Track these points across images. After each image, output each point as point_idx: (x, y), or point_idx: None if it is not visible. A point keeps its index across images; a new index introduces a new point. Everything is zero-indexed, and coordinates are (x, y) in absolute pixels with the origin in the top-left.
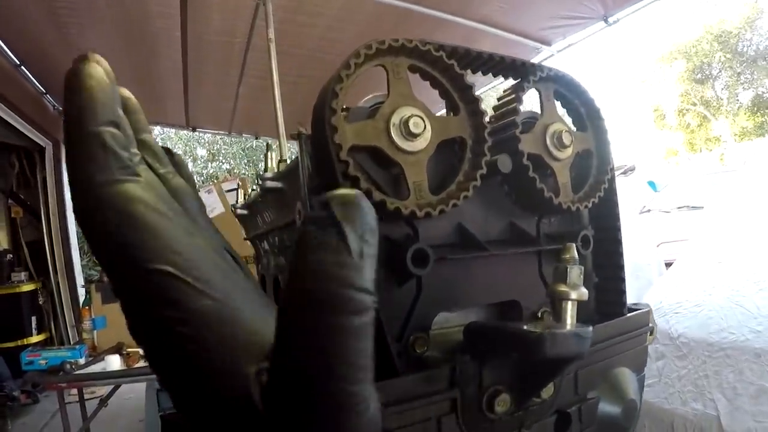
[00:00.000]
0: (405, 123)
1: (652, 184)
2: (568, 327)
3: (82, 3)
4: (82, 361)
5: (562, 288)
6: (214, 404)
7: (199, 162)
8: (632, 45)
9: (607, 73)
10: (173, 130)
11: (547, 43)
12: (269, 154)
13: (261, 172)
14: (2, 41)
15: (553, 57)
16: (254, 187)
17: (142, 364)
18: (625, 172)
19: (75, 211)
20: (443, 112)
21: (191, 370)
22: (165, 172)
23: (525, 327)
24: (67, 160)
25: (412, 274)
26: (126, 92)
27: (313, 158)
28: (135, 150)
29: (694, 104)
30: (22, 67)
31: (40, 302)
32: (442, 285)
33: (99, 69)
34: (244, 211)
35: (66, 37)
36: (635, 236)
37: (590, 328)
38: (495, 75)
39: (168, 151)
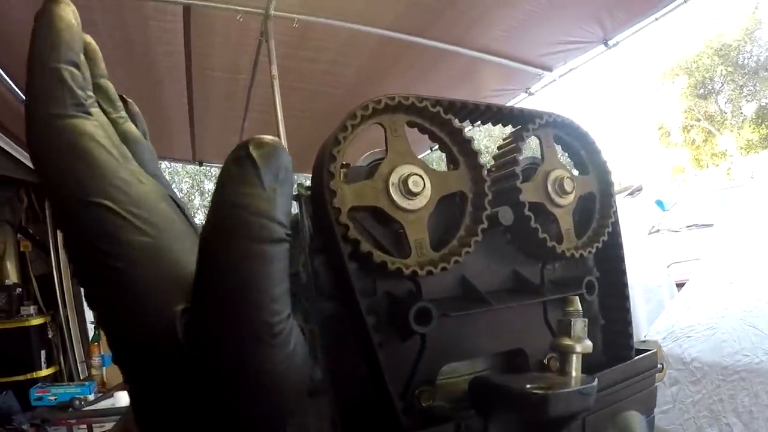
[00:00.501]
0: (404, 182)
1: (660, 203)
2: (573, 381)
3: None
4: (91, 397)
5: (567, 342)
6: (141, 342)
7: (207, 195)
8: (633, 64)
9: (610, 94)
10: (180, 165)
11: (548, 69)
12: None
13: None
14: (9, 78)
15: (554, 82)
16: None
17: None
18: (632, 193)
19: (27, 141)
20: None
21: (121, 305)
22: (117, 117)
23: (528, 386)
24: (26, 92)
25: (416, 332)
26: (88, 38)
27: (313, 220)
28: (90, 92)
29: (698, 120)
30: None
31: (50, 336)
32: (446, 338)
33: (69, 11)
34: None
35: None
36: (645, 258)
37: (595, 382)
38: (494, 124)
39: (123, 99)
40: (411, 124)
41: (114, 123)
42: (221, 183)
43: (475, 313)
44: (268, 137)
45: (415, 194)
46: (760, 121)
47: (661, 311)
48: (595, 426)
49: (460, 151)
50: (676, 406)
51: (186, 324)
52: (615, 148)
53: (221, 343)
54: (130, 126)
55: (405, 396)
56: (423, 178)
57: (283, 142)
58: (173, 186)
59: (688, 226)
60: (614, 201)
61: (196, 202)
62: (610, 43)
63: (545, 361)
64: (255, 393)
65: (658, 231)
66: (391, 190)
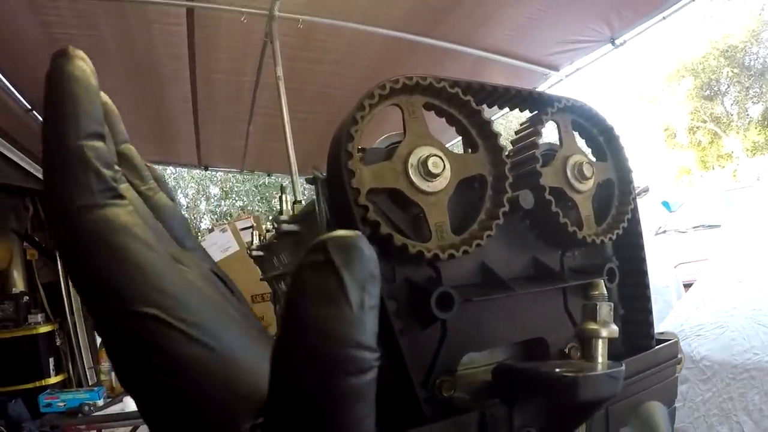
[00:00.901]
0: (423, 163)
1: (666, 204)
2: (600, 366)
3: (90, 47)
4: (100, 402)
5: (593, 326)
6: None
7: (212, 200)
8: (639, 65)
9: (616, 95)
10: (185, 169)
11: (555, 69)
12: (283, 196)
13: (276, 215)
14: (14, 87)
15: (561, 82)
16: (269, 229)
17: None
18: (638, 194)
19: (54, 236)
20: (455, 141)
21: (178, 422)
22: (146, 189)
23: (557, 370)
24: (45, 177)
25: (437, 318)
26: (105, 97)
27: (330, 203)
28: (117, 167)
29: (704, 121)
30: (33, 112)
31: (58, 343)
32: (467, 326)
33: (84, 68)
34: (260, 253)
35: None
36: (652, 258)
37: (623, 367)
38: (512, 108)
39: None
40: (428, 107)
41: (144, 197)
42: (297, 299)
43: (496, 299)
44: (348, 233)
45: (435, 176)
46: (766, 123)
47: (669, 311)
48: (618, 417)
49: (479, 133)
50: (686, 405)
51: None
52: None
53: None
54: (160, 197)
55: (426, 385)
56: (443, 160)
57: (290, 144)
58: (178, 192)
59: (694, 227)
60: (633, 188)
61: (202, 207)
62: (618, 42)
63: (566, 350)
64: None
65: (664, 232)
66: (410, 172)
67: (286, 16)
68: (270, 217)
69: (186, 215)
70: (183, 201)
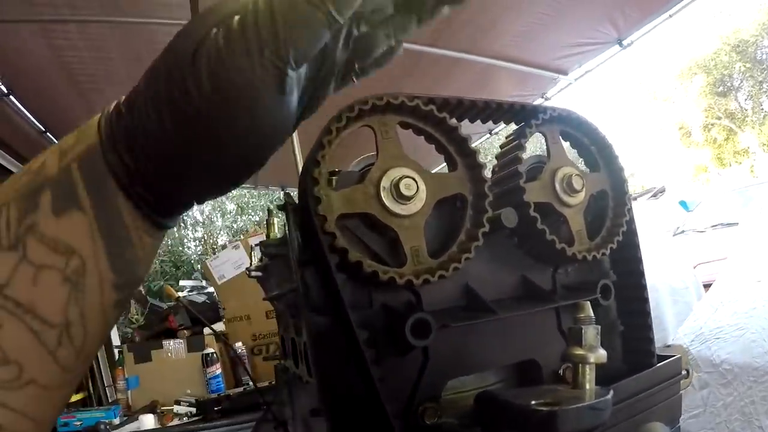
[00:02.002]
0: (396, 186)
1: (684, 204)
2: (587, 394)
3: (100, 69)
4: (116, 421)
5: (579, 351)
6: None
7: (228, 216)
8: (650, 65)
9: (628, 96)
10: None
11: (564, 72)
12: (271, 220)
13: (265, 239)
14: (27, 110)
15: (570, 85)
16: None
17: (176, 422)
18: (655, 195)
19: None
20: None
21: None
22: None
23: (533, 402)
24: None
25: (414, 346)
26: None
27: (301, 230)
28: None
29: (719, 118)
30: (47, 134)
31: None
32: (451, 351)
33: None
34: (258, 274)
35: (88, 104)
36: (671, 259)
37: (610, 395)
38: (495, 122)
39: None
40: (404, 126)
41: None
42: None
43: (480, 323)
44: None
45: (409, 198)
46: None
47: (689, 313)
48: None
49: (458, 151)
50: (707, 410)
51: None
52: (636, 149)
53: None
54: None
55: (406, 414)
56: (416, 181)
57: (298, 159)
58: (194, 209)
59: (713, 226)
60: (629, 198)
61: (218, 223)
62: (625, 42)
63: (560, 372)
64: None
65: (683, 232)
66: (382, 195)
67: None
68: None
69: (201, 231)
70: (199, 217)
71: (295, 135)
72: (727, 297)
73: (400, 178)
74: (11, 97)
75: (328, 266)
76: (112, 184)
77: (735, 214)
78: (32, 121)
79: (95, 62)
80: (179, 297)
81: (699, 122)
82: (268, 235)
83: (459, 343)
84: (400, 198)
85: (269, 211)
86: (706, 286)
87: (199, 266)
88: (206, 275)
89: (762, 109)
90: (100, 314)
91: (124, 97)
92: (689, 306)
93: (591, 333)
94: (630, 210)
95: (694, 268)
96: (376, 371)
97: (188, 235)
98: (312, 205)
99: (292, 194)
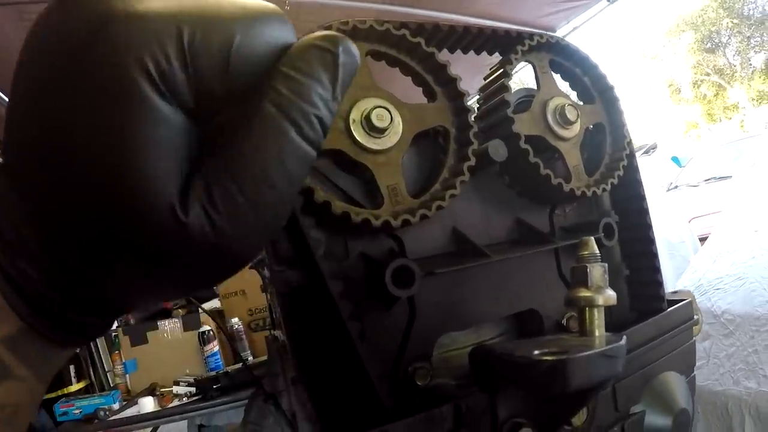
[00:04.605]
0: (367, 117)
1: (676, 159)
2: (597, 340)
3: None
4: (116, 406)
5: (584, 293)
6: None
7: None
8: (638, 22)
9: (617, 54)
10: None
11: (552, 30)
12: None
13: None
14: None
15: None
16: None
17: (176, 403)
18: (647, 151)
19: None
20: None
21: None
22: None
23: (536, 352)
24: None
25: (397, 297)
26: None
27: None
28: None
29: (708, 74)
30: None
31: (77, 351)
32: (440, 303)
33: None
34: None
35: None
36: (665, 214)
37: (623, 341)
38: (477, 52)
39: None
40: (376, 55)
41: None
42: (301, 68)
43: (470, 268)
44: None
45: (382, 131)
46: None
47: (686, 267)
48: (628, 393)
49: (436, 80)
50: (710, 362)
51: None
52: (627, 107)
53: None
54: None
55: (394, 375)
56: (390, 112)
57: None
58: None
59: (706, 180)
60: (627, 131)
61: None
62: None
63: (563, 322)
64: None
65: (676, 187)
66: (352, 129)
67: None
68: None
69: None
70: None
71: None
72: (725, 248)
73: (372, 109)
74: None
75: (293, 210)
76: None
77: (727, 168)
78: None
79: None
80: None
81: (688, 79)
82: None
83: (449, 293)
84: (373, 131)
85: None
86: (702, 240)
87: None
88: None
89: (750, 64)
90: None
91: None
92: (686, 260)
93: (597, 271)
94: (630, 143)
95: (689, 222)
96: (354, 326)
97: None
98: None
99: None
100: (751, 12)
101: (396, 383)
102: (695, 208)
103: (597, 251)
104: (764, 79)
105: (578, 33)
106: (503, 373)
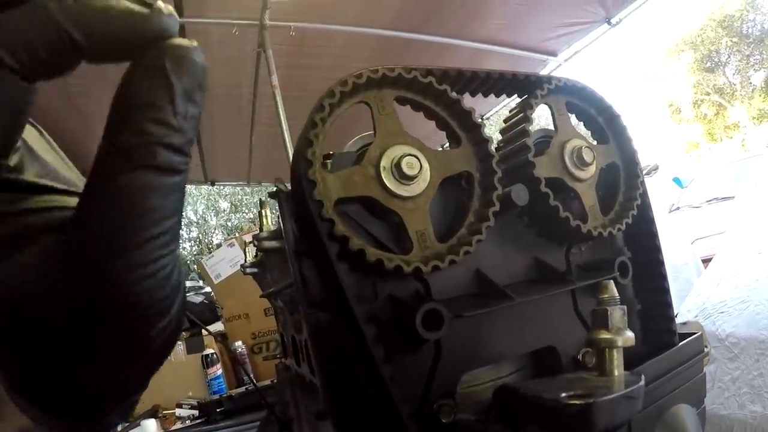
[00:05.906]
0: (397, 165)
1: (677, 180)
2: (617, 381)
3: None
4: (119, 428)
5: (605, 335)
6: None
7: (222, 215)
8: (638, 43)
9: (617, 76)
10: (193, 186)
11: (553, 54)
12: (263, 212)
13: (258, 233)
14: None
15: (560, 67)
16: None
17: (179, 426)
18: (648, 173)
19: None
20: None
21: None
22: None
23: (563, 395)
24: None
25: (426, 339)
26: None
27: (296, 218)
28: None
29: (708, 93)
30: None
31: None
32: (465, 343)
33: None
34: (254, 270)
35: (84, 122)
36: (668, 236)
37: (642, 382)
38: (497, 95)
39: None
40: (402, 101)
41: None
42: (129, 95)
43: (495, 310)
44: (184, 42)
45: (412, 178)
46: None
47: (690, 289)
48: (642, 427)
49: (461, 126)
50: (715, 385)
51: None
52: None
53: (102, 269)
54: None
55: (420, 414)
56: (419, 159)
57: (290, 154)
58: (188, 209)
59: (708, 201)
60: (640, 170)
61: (212, 222)
62: (613, 21)
63: (580, 357)
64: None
65: (678, 208)
66: (383, 176)
67: (276, 25)
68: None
69: (196, 231)
70: (193, 217)
71: (285, 128)
72: (729, 271)
73: (402, 157)
74: None
75: (328, 256)
76: None
77: (729, 188)
78: None
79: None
80: None
81: (688, 99)
82: (261, 228)
83: (473, 333)
84: (403, 178)
85: (261, 202)
86: (705, 261)
87: (194, 266)
88: (202, 275)
89: (750, 82)
90: None
91: None
92: (689, 282)
93: (617, 314)
94: (643, 182)
95: (692, 243)
96: (387, 370)
97: (183, 236)
98: (307, 189)
99: (284, 181)
100: (750, 30)
101: (422, 421)
102: (698, 230)
103: (616, 294)
104: (764, 98)
105: (580, 57)
106: (529, 413)
